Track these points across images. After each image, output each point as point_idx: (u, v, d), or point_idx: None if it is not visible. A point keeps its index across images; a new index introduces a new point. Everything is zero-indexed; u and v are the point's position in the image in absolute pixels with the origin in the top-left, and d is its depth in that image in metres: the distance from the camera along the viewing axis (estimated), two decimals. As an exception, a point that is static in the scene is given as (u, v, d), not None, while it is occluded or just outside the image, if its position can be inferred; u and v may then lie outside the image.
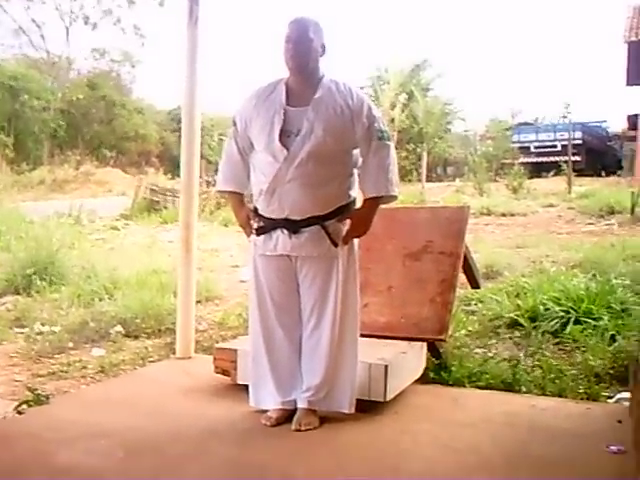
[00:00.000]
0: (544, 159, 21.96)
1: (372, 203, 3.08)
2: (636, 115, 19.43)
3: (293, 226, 2.99)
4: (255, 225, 3.12)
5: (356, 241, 3.15)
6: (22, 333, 5.26)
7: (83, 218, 12.19)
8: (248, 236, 3.19)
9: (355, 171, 3.12)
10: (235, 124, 3.17)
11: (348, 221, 3.07)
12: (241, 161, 3.16)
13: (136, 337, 5.07)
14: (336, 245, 3.02)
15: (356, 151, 3.09)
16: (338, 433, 2.95)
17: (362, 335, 3.74)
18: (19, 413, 3.50)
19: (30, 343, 4.98)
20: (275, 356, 3.18)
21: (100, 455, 2.83)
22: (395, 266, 4.10)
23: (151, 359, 4.57)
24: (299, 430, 3.03)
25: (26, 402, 3.61)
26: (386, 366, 3.26)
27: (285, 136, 2.95)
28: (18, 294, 6.42)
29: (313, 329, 3.11)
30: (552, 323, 4.71)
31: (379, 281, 4.07)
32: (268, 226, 3.06)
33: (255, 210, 3.11)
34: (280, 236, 3.03)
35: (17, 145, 23.86)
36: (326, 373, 3.09)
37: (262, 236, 3.09)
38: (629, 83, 20.63)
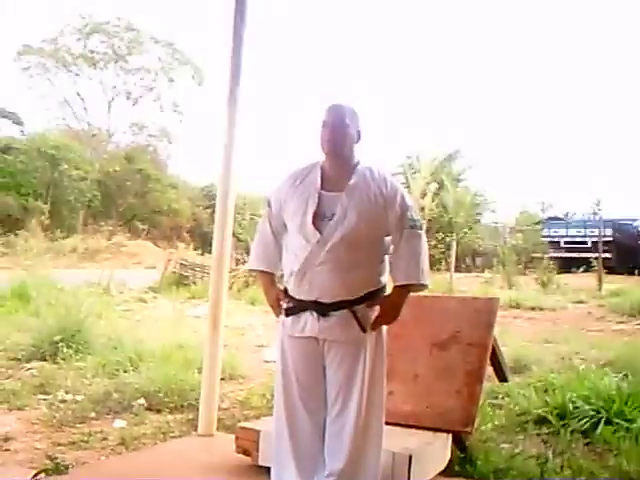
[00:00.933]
0: (574, 254, 21.84)
1: (402, 290, 3.08)
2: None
3: (322, 309, 2.98)
4: (284, 305, 3.13)
5: (384, 328, 3.14)
6: (45, 400, 5.25)
7: (112, 288, 12.31)
8: (277, 316, 3.19)
9: (386, 258, 3.14)
10: (270, 205, 3.21)
11: (377, 307, 3.08)
12: (274, 241, 3.19)
13: (158, 411, 5.02)
14: (365, 330, 3.01)
15: (388, 238, 3.11)
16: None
17: (386, 423, 3.70)
18: (37, 481, 3.47)
19: (53, 411, 4.95)
20: (298, 438, 3.12)
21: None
22: (422, 354, 4.08)
23: (172, 434, 4.52)
24: None
25: (45, 470, 3.59)
26: (410, 456, 3.21)
27: (319, 220, 2.98)
28: (44, 360, 6.43)
29: (338, 414, 3.06)
30: (582, 422, 4.58)
31: (405, 369, 4.04)
32: (297, 307, 3.05)
33: (285, 290, 3.12)
34: (309, 318, 3.02)
35: (53, 212, 24.41)
36: (349, 459, 3.02)
37: (291, 317, 3.08)
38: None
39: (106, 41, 30.17)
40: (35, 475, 3.56)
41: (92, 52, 30.16)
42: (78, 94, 30.64)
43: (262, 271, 3.25)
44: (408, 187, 24.48)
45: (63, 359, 6.35)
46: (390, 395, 3.92)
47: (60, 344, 6.55)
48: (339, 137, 3.02)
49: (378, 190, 3.01)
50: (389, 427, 3.64)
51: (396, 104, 36.64)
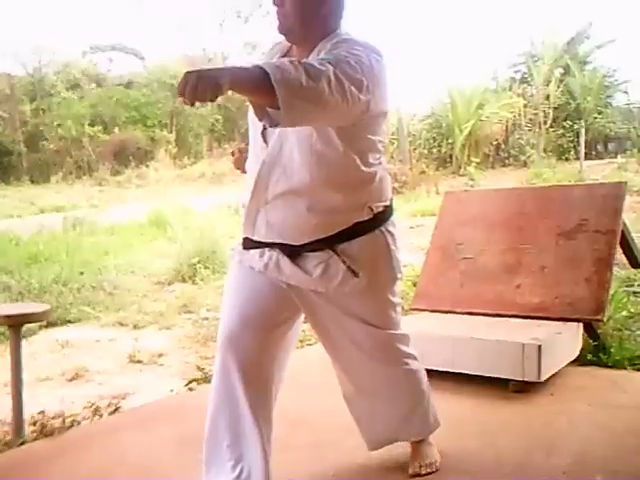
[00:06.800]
0: None
1: None
2: None
3: None
4: None
5: None
6: (189, 319, 5.63)
7: (241, 209, 12.70)
8: None
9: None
10: None
11: None
12: None
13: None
14: None
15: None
16: (490, 412, 2.95)
17: (515, 316, 3.75)
18: (190, 390, 3.80)
19: (197, 328, 5.32)
20: None
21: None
22: (548, 246, 4.02)
23: (309, 342, 4.74)
24: None
25: (196, 380, 3.91)
26: (539, 346, 3.23)
27: None
28: (184, 282, 6.86)
29: None
30: None
31: (532, 261, 4.02)
32: None
33: None
34: None
35: (178, 141, 25.12)
36: None
37: None
38: None
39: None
40: (188, 384, 3.90)
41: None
42: (190, 19, 30.97)
43: None
44: (530, 75, 23.48)
45: (202, 279, 6.74)
46: (518, 288, 3.96)
47: (198, 265, 6.95)
48: (289, 13, 2.13)
49: None
50: (518, 320, 3.71)
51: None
